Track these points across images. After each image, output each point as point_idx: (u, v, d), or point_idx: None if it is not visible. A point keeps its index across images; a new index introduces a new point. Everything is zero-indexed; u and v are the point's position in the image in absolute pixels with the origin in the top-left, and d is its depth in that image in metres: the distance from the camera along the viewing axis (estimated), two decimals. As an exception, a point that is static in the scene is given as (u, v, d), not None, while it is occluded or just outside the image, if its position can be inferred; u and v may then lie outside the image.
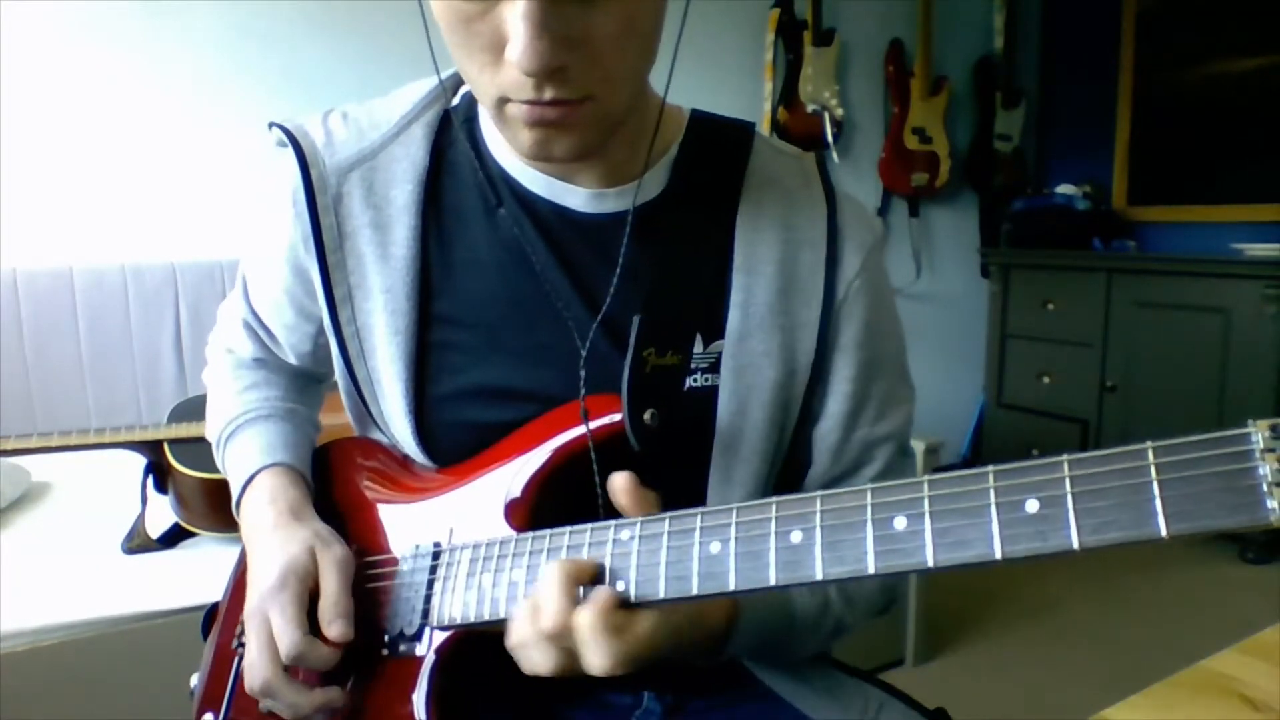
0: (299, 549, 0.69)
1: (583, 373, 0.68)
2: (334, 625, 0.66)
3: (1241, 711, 0.63)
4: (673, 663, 0.60)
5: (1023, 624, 2.41)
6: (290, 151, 0.72)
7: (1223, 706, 0.64)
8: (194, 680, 0.83)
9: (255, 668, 0.67)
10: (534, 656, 0.56)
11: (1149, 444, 0.40)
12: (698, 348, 0.70)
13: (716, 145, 0.74)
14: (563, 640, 0.54)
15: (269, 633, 0.67)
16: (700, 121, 0.75)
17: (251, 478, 0.77)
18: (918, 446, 2.02)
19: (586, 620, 0.53)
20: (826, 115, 3.03)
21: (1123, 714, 0.62)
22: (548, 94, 0.56)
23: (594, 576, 0.56)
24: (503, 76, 0.57)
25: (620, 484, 0.57)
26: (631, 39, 0.57)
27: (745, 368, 0.70)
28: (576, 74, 0.56)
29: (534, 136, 0.60)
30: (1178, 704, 0.64)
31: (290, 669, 0.67)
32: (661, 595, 0.54)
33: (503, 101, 0.58)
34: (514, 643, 0.58)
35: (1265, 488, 0.37)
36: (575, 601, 0.55)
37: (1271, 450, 0.37)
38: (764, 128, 3.05)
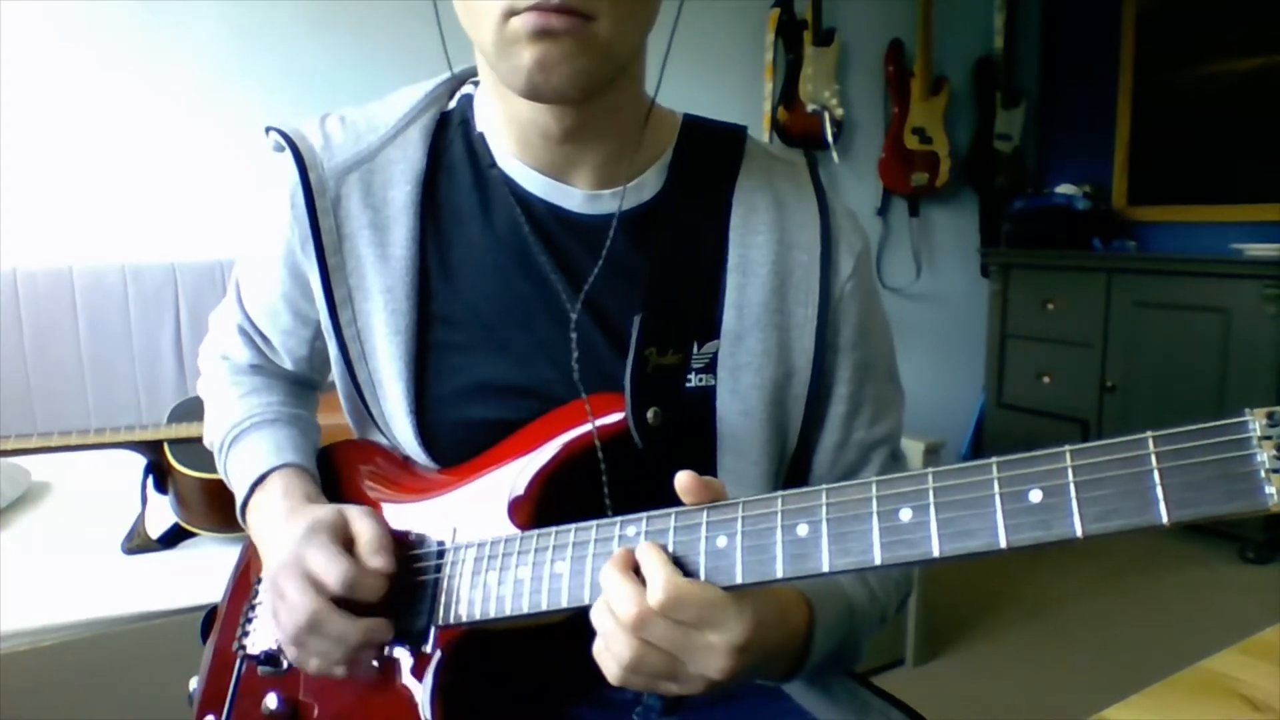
0: (324, 511, 0.68)
1: (576, 368, 0.68)
2: (378, 557, 0.64)
3: (1241, 711, 0.63)
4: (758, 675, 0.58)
5: (1023, 624, 2.41)
6: (287, 155, 0.72)
7: (1223, 706, 0.64)
8: (193, 684, 0.83)
9: (297, 608, 0.63)
10: (619, 651, 0.54)
11: (1149, 434, 0.41)
12: (693, 348, 0.70)
13: (710, 148, 0.75)
14: (643, 629, 0.53)
15: (304, 576, 0.64)
16: (694, 125, 0.76)
17: (262, 479, 0.76)
18: (917, 446, 2.02)
19: (657, 591, 0.52)
20: (826, 115, 3.03)
21: (1123, 714, 0.62)
22: None
23: (635, 562, 0.55)
24: None
25: (685, 484, 0.55)
26: None
27: (743, 367, 0.70)
28: None
29: (535, 55, 0.59)
30: (1178, 704, 0.64)
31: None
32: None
33: (508, 16, 0.58)
34: (598, 647, 0.56)
35: (1263, 474, 0.38)
36: (643, 583, 0.53)
37: (1268, 437, 0.38)
38: (764, 128, 3.05)
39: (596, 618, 0.55)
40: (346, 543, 0.66)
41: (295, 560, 0.65)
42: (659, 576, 0.52)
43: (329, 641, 0.64)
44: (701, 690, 0.55)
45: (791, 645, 0.63)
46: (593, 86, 0.62)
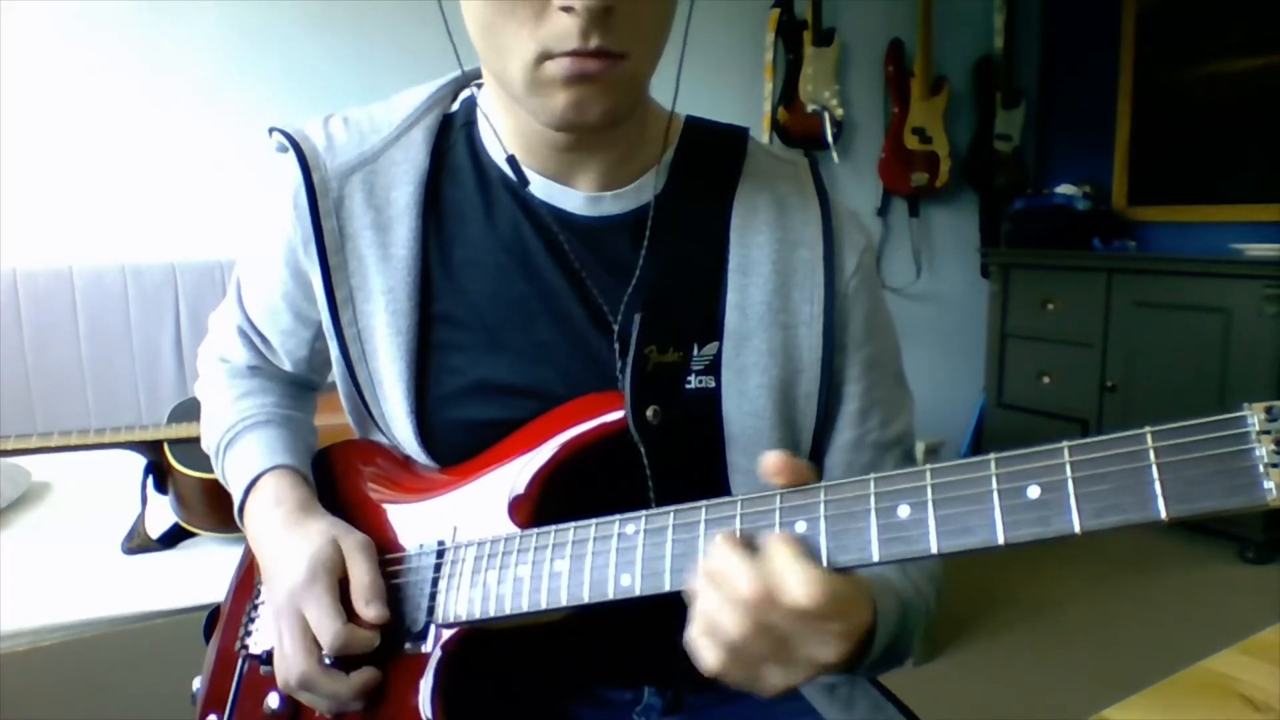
0: (322, 541, 0.69)
1: (620, 360, 0.69)
2: (370, 607, 0.66)
3: (1241, 711, 0.63)
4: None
5: (1022, 624, 2.41)
6: (290, 156, 0.73)
7: (1223, 706, 0.64)
8: (196, 684, 0.83)
9: (291, 662, 0.66)
10: (729, 628, 0.49)
11: (1147, 429, 0.41)
12: (693, 349, 0.70)
13: (712, 150, 0.75)
14: (758, 610, 0.49)
15: (303, 627, 0.67)
16: (696, 127, 0.77)
17: (254, 481, 0.77)
18: (918, 446, 2.02)
19: (778, 562, 0.48)
20: (826, 115, 3.03)
21: (1122, 714, 0.62)
22: (593, 41, 0.58)
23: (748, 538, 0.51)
24: (546, 30, 0.58)
25: (773, 465, 0.52)
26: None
27: (749, 368, 0.70)
28: (621, 23, 0.59)
29: (570, 97, 0.61)
30: (1178, 704, 0.64)
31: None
32: (667, 589, 0.54)
33: (542, 59, 0.59)
34: (696, 631, 0.52)
35: (1261, 469, 0.38)
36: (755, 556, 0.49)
37: (1266, 432, 0.38)
38: (764, 128, 3.05)
39: (702, 596, 0.51)
40: (342, 580, 0.68)
41: (294, 610, 0.67)
42: (802, 573, 0.47)
43: (320, 697, 0.67)
44: (805, 678, 0.51)
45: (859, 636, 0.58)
46: (622, 117, 0.65)
